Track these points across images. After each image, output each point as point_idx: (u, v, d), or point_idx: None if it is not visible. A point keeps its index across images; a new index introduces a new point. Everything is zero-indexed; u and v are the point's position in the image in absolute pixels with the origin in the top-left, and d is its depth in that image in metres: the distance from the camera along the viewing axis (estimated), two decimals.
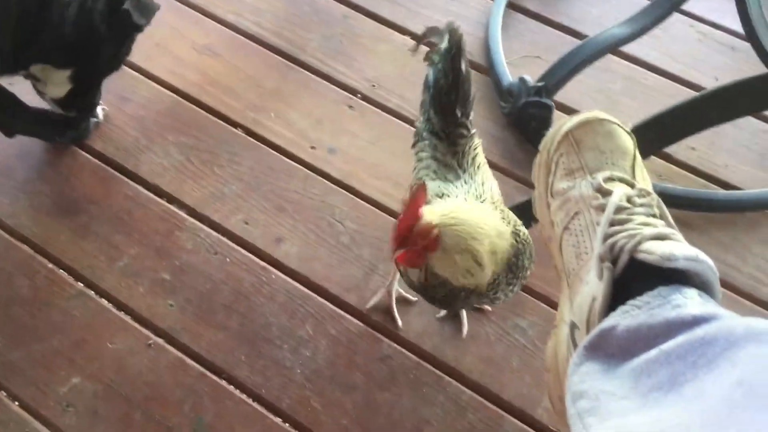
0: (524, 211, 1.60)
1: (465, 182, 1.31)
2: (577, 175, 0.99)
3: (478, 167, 1.34)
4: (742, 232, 1.72)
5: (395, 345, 1.53)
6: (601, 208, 0.93)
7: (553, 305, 1.61)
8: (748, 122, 1.91)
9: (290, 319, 1.56)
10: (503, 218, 1.24)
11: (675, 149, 1.83)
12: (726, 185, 1.80)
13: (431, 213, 1.13)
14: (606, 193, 0.95)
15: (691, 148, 1.85)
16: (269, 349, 1.52)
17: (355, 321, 1.57)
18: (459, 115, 1.33)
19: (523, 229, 1.27)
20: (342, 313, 1.58)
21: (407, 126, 1.90)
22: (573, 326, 0.94)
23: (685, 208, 1.71)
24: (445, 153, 1.33)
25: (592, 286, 0.90)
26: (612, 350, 0.82)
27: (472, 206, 1.25)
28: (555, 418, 1.42)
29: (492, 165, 1.81)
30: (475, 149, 1.36)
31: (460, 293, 1.23)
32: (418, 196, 1.13)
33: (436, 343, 1.54)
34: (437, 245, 1.14)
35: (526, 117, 1.87)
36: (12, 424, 1.39)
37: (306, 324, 1.56)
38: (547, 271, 1.65)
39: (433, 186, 1.31)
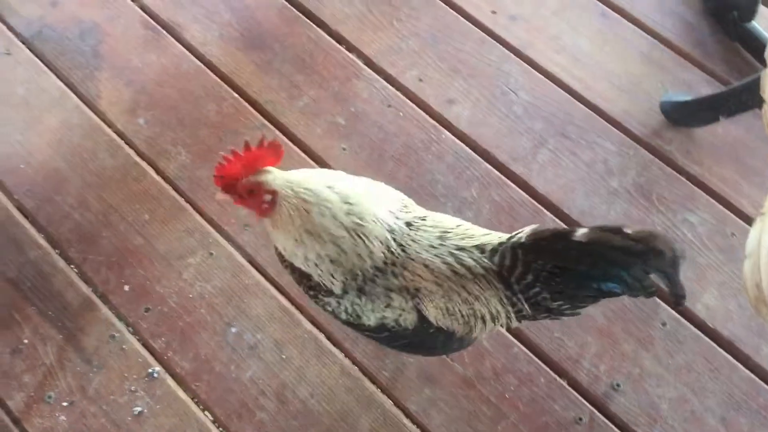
0: (739, 95, 1.52)
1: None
2: None
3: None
4: None
5: (558, 220, 1.53)
6: None
7: (729, 206, 1.55)
8: None
9: (456, 179, 1.59)
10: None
11: None
12: None
13: (275, 177, 0.98)
14: None
15: None
16: (434, 204, 1.55)
17: (519, 191, 1.57)
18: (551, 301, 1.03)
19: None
20: (507, 181, 1.58)
21: (593, 0, 1.81)
22: None
23: None
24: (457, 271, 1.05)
25: None
26: None
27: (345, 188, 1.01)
28: (750, 306, 1.42)
29: (681, 53, 1.74)
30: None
31: (301, 280, 1.07)
32: (270, 148, 0.97)
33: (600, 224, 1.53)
34: (269, 212, 1.00)
35: (727, 6, 1.74)
36: (197, 234, 1.50)
37: (471, 186, 1.58)
38: (726, 169, 1.60)
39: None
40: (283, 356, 1.39)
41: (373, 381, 1.38)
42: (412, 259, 1.02)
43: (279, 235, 1.03)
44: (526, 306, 1.03)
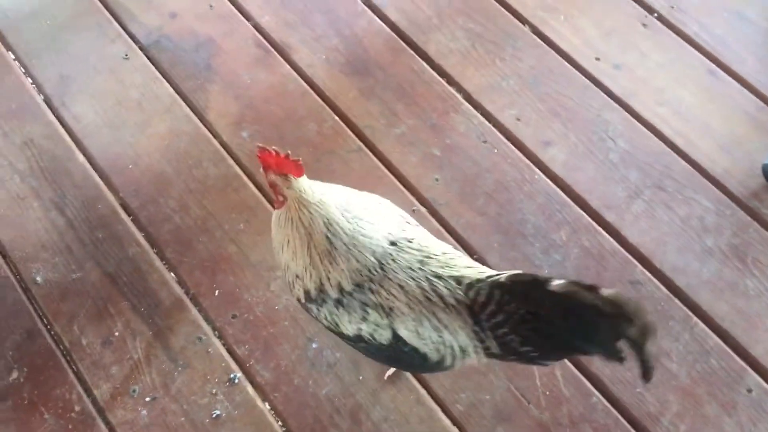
0: None
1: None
2: None
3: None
4: None
5: (648, 273, 1.51)
6: None
7: None
8: None
9: (546, 221, 1.58)
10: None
11: None
12: None
13: (300, 188, 1.04)
14: None
15: None
16: (522, 243, 1.55)
17: (610, 239, 1.56)
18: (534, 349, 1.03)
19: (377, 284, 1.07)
20: (598, 227, 1.57)
21: (700, 56, 1.79)
22: None
23: None
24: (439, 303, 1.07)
25: None
26: None
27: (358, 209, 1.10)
28: None
29: None
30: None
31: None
32: (291, 163, 1.03)
33: (691, 282, 1.50)
34: (279, 207, 1.09)
35: None
36: None
37: (561, 230, 1.57)
38: None
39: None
40: (360, 377, 1.41)
41: (447, 413, 1.38)
42: (389, 278, 1.06)
43: (276, 232, 1.13)
44: (495, 344, 1.05)
